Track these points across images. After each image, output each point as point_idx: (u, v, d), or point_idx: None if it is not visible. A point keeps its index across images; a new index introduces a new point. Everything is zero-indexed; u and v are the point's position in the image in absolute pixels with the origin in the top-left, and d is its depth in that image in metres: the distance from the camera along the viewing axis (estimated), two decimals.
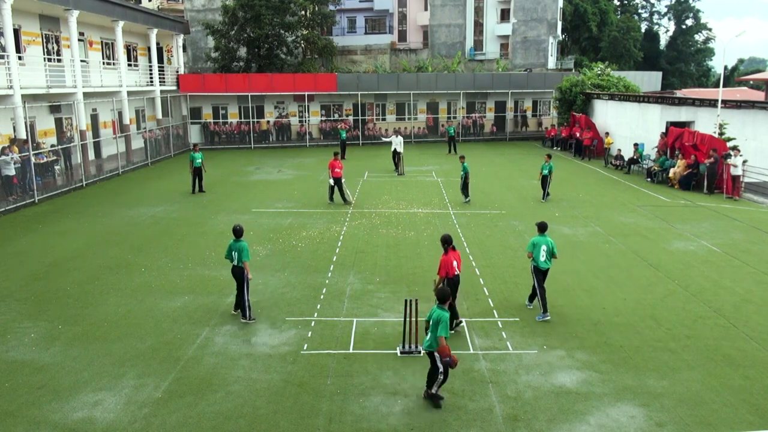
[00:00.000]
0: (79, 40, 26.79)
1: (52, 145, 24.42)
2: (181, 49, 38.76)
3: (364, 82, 38.90)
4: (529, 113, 42.81)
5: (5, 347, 9.58)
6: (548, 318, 10.55)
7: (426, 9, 52.29)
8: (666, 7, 76.39)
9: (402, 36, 55.09)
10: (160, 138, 32.57)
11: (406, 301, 9.31)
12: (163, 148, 32.69)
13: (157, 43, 35.60)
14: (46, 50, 25.77)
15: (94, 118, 29.69)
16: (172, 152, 33.01)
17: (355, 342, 9.77)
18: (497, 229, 16.82)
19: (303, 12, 43.13)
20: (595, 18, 63.45)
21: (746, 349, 9.47)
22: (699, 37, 74.18)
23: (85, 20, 27.62)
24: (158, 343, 9.74)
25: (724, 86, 28.43)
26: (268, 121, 39.16)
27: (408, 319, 9.24)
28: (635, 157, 26.72)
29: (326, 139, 38.63)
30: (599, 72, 37.72)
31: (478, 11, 51.58)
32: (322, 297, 11.73)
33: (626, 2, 74.61)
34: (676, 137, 24.20)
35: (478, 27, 51.96)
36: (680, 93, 46.81)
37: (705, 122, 25.01)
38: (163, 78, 35.81)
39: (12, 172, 19.91)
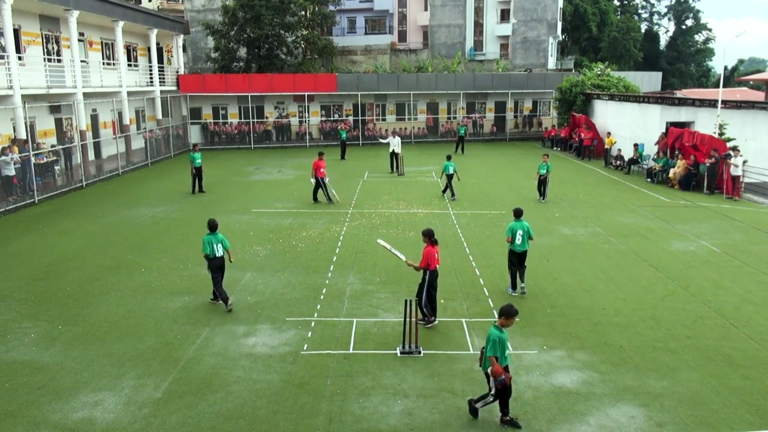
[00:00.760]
0: (79, 40, 26.79)
1: (52, 146, 24.43)
2: (181, 50, 38.77)
3: (364, 82, 38.90)
4: (526, 113, 42.82)
5: (5, 347, 9.58)
6: (515, 294, 11.64)
7: (426, 9, 52.26)
8: (666, 7, 76.44)
9: (402, 36, 55.06)
10: (160, 138, 32.59)
11: (406, 301, 9.30)
12: (163, 148, 32.70)
13: (157, 44, 35.61)
14: (46, 50, 25.77)
15: (94, 119, 29.70)
16: (172, 152, 33.01)
17: (355, 342, 9.76)
18: (497, 229, 16.79)
19: (303, 12, 43.13)
20: (595, 18, 63.44)
21: (746, 350, 9.47)
22: (699, 38, 74.15)
23: (85, 20, 27.63)
24: (158, 343, 9.74)
25: (724, 86, 28.43)
26: (273, 121, 39.21)
27: (408, 320, 9.25)
28: (635, 158, 26.73)
29: (326, 140, 38.64)
30: (599, 72, 37.72)
31: (478, 11, 51.56)
32: (322, 297, 11.73)
33: (626, 2, 74.57)
34: (676, 137, 24.21)
35: (478, 27, 51.94)
36: (680, 93, 46.79)
37: (705, 122, 25.00)
38: (163, 78, 35.82)
39: (12, 173, 19.91)
